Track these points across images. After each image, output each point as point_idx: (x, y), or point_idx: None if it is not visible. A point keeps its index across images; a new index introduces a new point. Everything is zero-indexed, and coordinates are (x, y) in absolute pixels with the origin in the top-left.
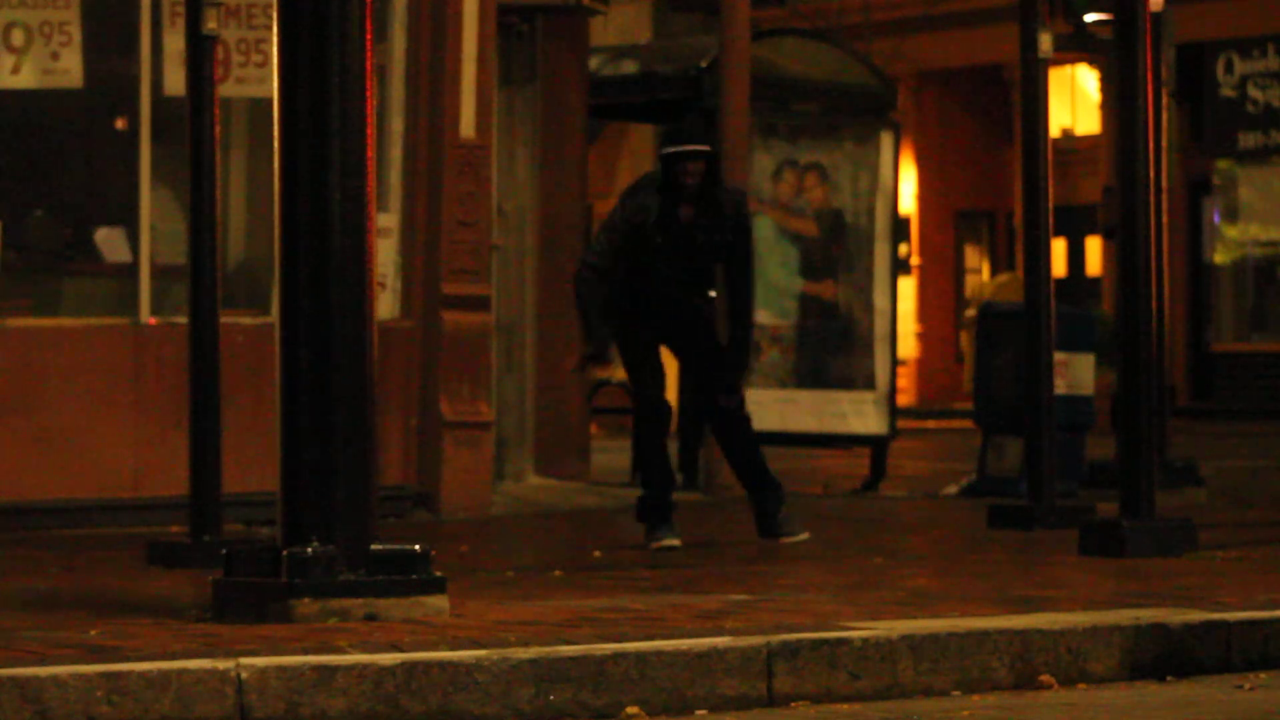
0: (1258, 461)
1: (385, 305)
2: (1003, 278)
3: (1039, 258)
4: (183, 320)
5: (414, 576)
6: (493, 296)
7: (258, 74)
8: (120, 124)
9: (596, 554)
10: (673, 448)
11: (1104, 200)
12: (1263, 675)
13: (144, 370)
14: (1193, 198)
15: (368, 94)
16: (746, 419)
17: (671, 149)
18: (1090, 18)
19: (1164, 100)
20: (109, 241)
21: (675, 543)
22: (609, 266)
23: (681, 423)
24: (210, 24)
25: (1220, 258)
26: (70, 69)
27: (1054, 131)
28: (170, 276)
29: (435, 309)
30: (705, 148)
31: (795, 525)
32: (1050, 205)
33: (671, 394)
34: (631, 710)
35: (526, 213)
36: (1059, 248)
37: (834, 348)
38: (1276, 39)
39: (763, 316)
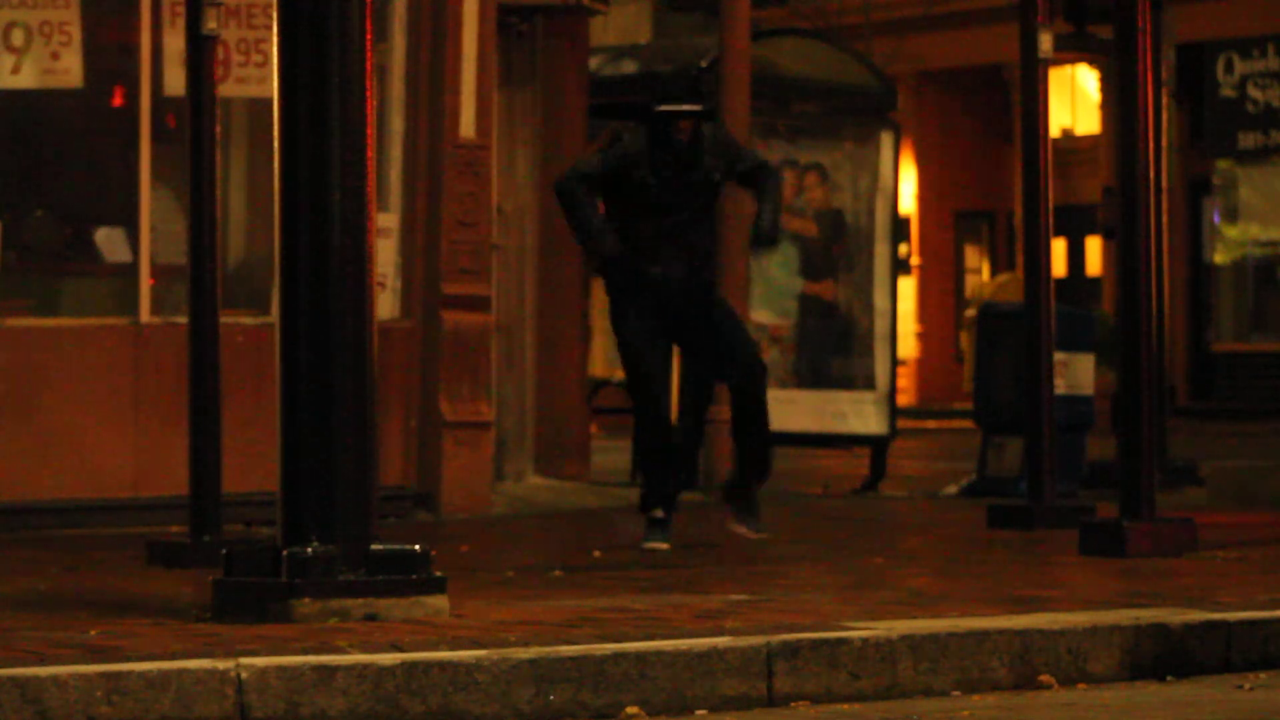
0: (1258, 461)
1: (385, 305)
2: (1003, 278)
3: (1039, 258)
4: (183, 320)
5: (414, 576)
6: (493, 296)
7: (258, 74)
8: (120, 124)
9: (596, 554)
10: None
11: (1104, 200)
12: (1263, 675)
13: (144, 370)
14: (1193, 198)
15: (368, 94)
16: (764, 386)
17: (666, 107)
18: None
19: (1164, 100)
20: (109, 241)
21: (664, 546)
22: (597, 180)
23: (682, 423)
24: (210, 24)
25: (1220, 258)
26: (70, 69)
27: (1054, 131)
28: (170, 276)
29: (435, 309)
30: (698, 107)
31: (763, 523)
32: (1050, 205)
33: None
34: (631, 710)
35: (526, 213)
36: (1059, 248)
37: (834, 348)
38: (1276, 39)
39: (763, 316)
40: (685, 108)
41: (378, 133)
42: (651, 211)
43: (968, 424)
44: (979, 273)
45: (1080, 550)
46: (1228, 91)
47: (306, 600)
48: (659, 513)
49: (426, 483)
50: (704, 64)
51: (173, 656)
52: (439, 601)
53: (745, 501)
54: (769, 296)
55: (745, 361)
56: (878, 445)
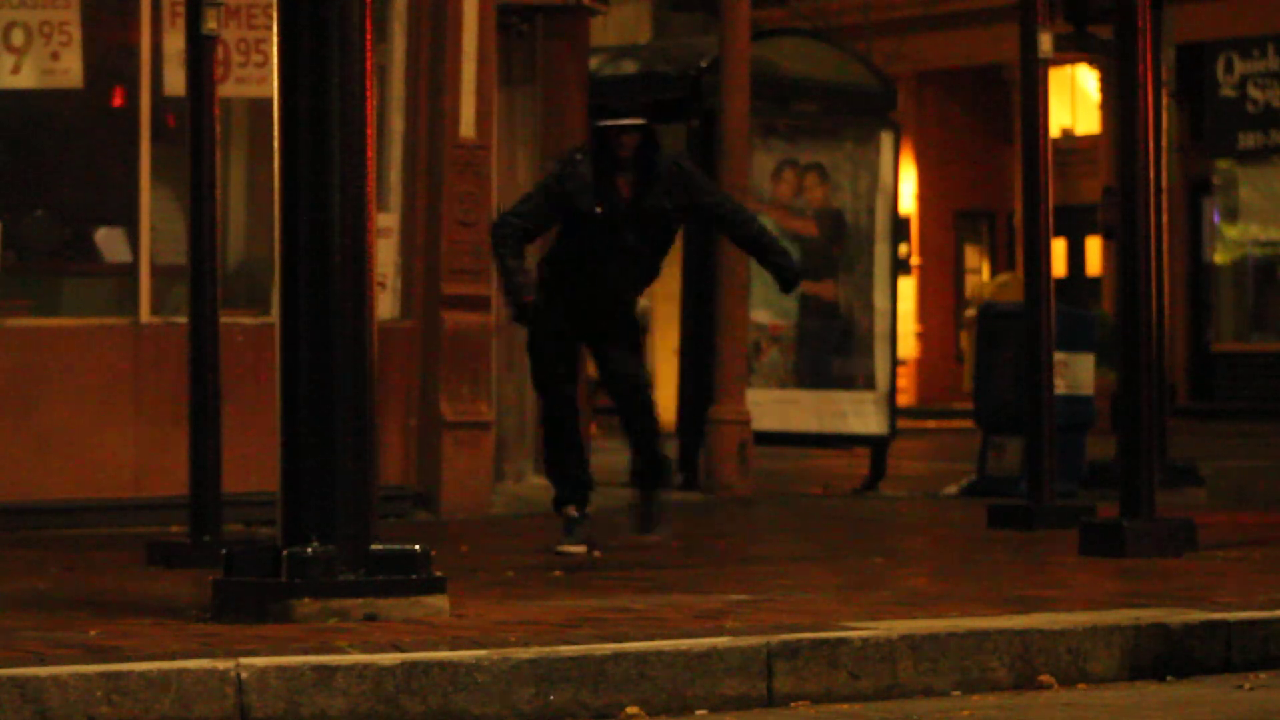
0: (1258, 461)
1: (385, 305)
2: (1003, 278)
3: (1039, 258)
4: (183, 320)
5: (414, 576)
6: (493, 296)
7: (258, 74)
8: (120, 124)
9: (596, 554)
10: (672, 448)
11: (1104, 200)
12: (1263, 675)
13: (144, 370)
14: (1193, 198)
15: (368, 94)
16: (651, 400)
17: (607, 122)
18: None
19: (1164, 100)
20: (109, 241)
21: (579, 550)
22: (532, 229)
23: (681, 423)
24: (210, 24)
25: (1220, 258)
26: (70, 69)
27: (1054, 131)
28: (170, 276)
29: (435, 309)
30: (641, 121)
31: (667, 526)
32: (1050, 205)
33: (670, 397)
34: (631, 710)
35: None
36: (1059, 248)
37: (834, 348)
38: (1276, 39)
39: (763, 316)
40: (625, 122)
41: (378, 133)
42: (600, 240)
43: (968, 424)
44: (979, 273)
45: (1080, 550)
46: (1228, 91)
47: (306, 600)
48: (573, 510)
49: (426, 483)
50: (704, 64)
51: (173, 656)
52: (439, 601)
53: (646, 512)
54: (769, 296)
55: (626, 380)
56: (878, 445)
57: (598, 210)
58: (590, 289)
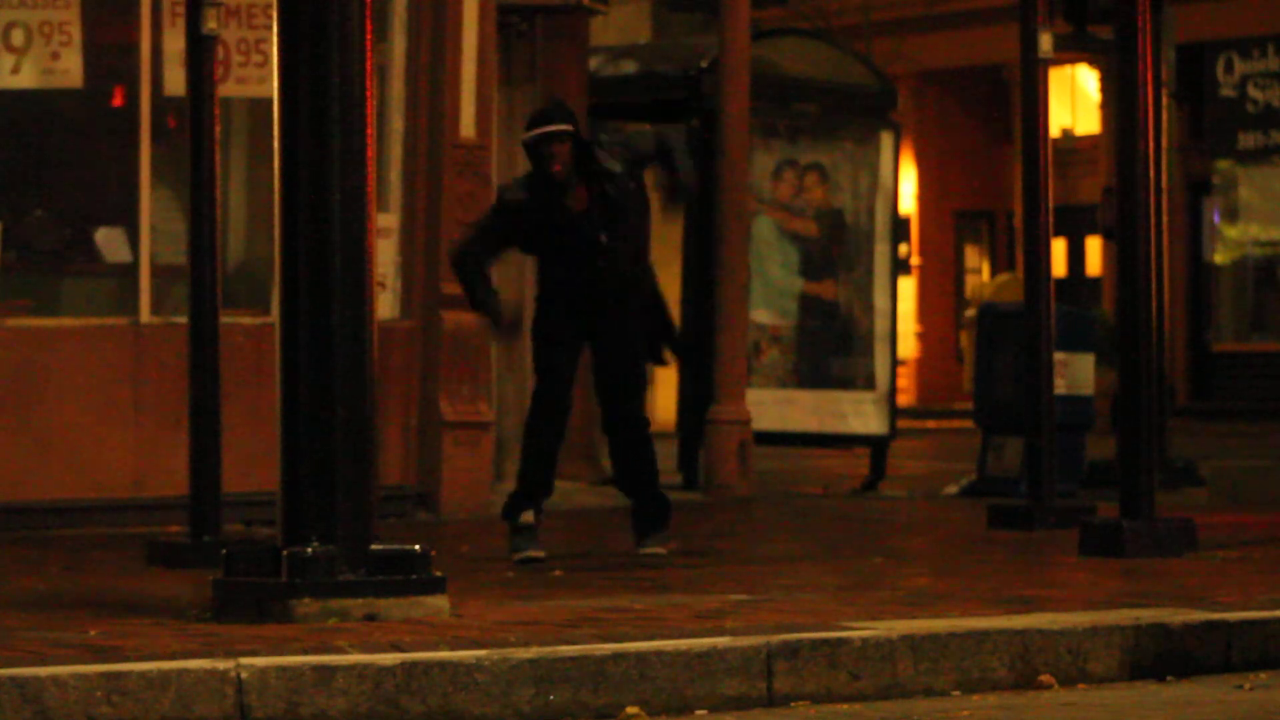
0: (1258, 461)
1: (385, 305)
2: (1003, 278)
3: (1039, 258)
4: (183, 320)
5: (414, 576)
6: None
7: (258, 74)
8: (120, 124)
9: (596, 554)
10: (672, 448)
11: (1104, 200)
12: (1263, 675)
13: (144, 370)
14: (1193, 198)
15: (368, 94)
16: (648, 434)
17: (532, 133)
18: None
19: (1164, 100)
20: (109, 241)
21: (539, 555)
22: (483, 253)
23: (681, 423)
24: (210, 24)
25: (1220, 258)
26: (70, 69)
27: (1054, 131)
28: (170, 276)
29: (435, 309)
30: (566, 127)
31: (664, 538)
32: (1050, 205)
33: (670, 397)
34: (631, 710)
35: None
36: (1059, 248)
37: (834, 348)
38: (1276, 39)
39: (763, 316)
40: (550, 129)
41: (378, 133)
42: (565, 251)
43: (968, 424)
44: (979, 273)
45: (1080, 550)
46: (1228, 91)
47: (306, 600)
48: (529, 517)
49: (426, 483)
50: (704, 64)
51: (173, 656)
52: (439, 601)
53: (650, 538)
54: (769, 296)
55: (626, 411)
56: (878, 445)
57: (556, 238)
58: (581, 286)
